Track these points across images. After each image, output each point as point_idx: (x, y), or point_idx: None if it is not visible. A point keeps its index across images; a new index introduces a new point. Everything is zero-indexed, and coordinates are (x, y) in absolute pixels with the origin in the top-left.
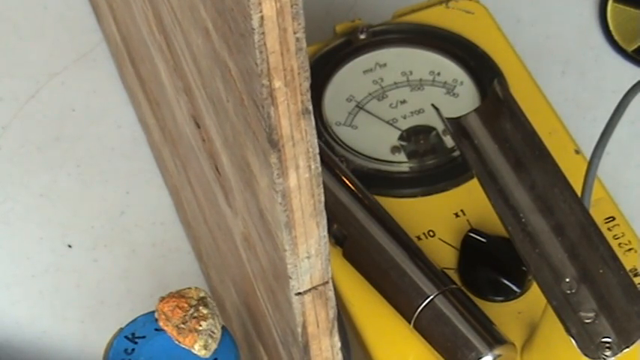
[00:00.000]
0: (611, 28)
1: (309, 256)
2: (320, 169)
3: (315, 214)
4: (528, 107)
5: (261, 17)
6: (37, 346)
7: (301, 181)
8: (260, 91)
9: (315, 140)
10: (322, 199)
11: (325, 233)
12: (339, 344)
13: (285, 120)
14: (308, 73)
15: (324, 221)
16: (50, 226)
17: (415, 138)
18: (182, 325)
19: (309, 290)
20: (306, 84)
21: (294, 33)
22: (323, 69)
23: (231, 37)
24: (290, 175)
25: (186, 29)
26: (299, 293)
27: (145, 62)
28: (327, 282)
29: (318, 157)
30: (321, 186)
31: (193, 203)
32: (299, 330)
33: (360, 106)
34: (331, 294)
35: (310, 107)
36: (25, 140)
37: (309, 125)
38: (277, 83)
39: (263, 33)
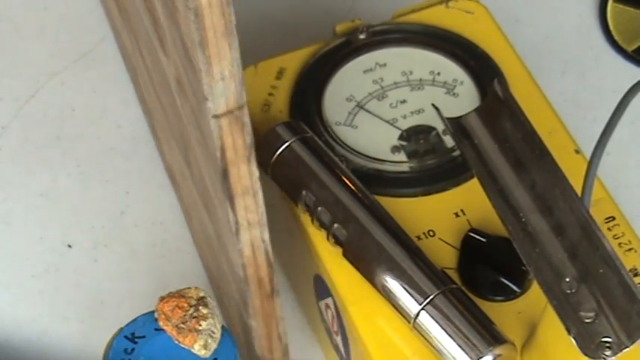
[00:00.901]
0: (611, 28)
1: (223, 77)
2: None
3: (227, 34)
4: (528, 107)
5: None
6: (37, 346)
7: None
8: None
9: None
10: (233, 19)
11: (238, 56)
12: (257, 173)
13: None
14: None
15: (236, 43)
16: (50, 226)
17: (415, 138)
18: (182, 325)
19: (226, 114)
20: None
21: None
22: (323, 69)
23: None
24: None
25: None
26: (216, 116)
27: None
28: (242, 107)
29: None
30: (232, 6)
31: (145, 74)
32: (218, 155)
33: (360, 106)
34: (247, 120)
35: None
36: (25, 140)
37: None
38: None
39: None
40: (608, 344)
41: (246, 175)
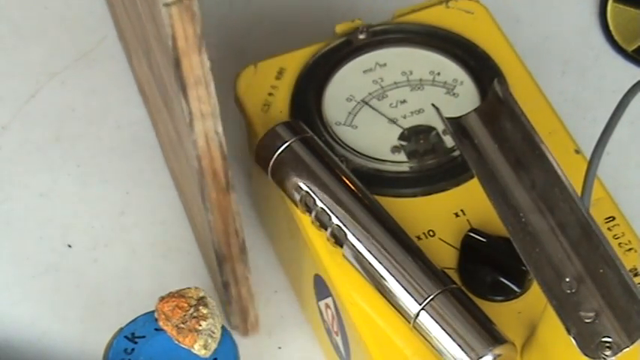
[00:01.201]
0: (611, 28)
1: None
2: None
3: None
4: (528, 107)
5: None
6: (37, 346)
7: None
8: None
9: None
10: None
11: None
12: (208, 63)
13: None
14: None
15: None
16: (50, 226)
17: (415, 138)
18: (182, 325)
19: (175, 2)
20: None
21: None
22: (323, 69)
23: None
24: None
25: None
26: (166, 4)
27: None
28: None
29: None
30: None
31: (120, 5)
32: (170, 44)
33: (360, 106)
34: (197, 10)
35: None
36: (25, 140)
37: None
38: None
39: None
40: (608, 344)
41: (197, 64)
